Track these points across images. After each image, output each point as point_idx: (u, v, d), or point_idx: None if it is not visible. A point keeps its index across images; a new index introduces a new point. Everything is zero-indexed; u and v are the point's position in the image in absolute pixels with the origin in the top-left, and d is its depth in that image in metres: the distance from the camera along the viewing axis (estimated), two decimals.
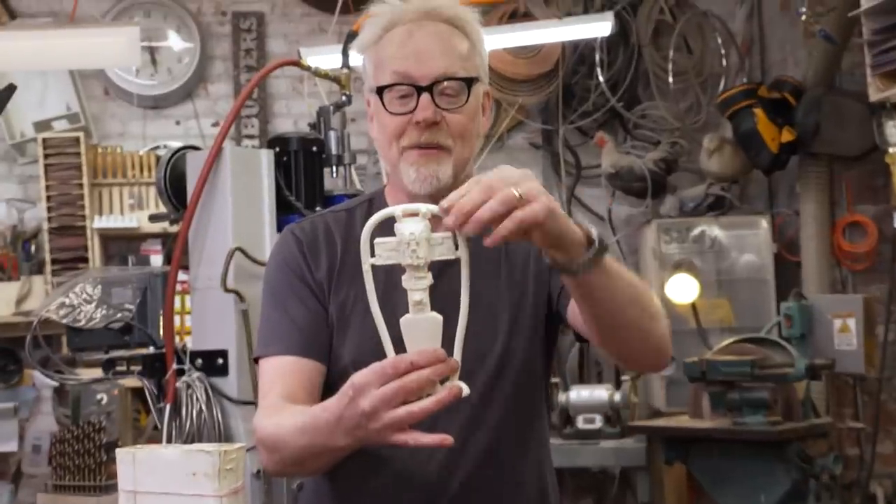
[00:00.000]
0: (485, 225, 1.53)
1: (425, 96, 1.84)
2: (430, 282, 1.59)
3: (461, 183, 1.89)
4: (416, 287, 1.59)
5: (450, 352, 1.59)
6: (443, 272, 1.90)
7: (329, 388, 1.91)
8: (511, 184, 1.55)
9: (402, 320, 1.59)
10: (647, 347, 1.82)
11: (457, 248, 1.59)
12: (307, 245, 1.95)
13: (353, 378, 1.60)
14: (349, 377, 1.82)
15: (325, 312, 1.91)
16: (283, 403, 1.83)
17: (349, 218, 2.00)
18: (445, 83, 1.85)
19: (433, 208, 1.58)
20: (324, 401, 1.93)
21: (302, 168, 3.14)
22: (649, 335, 1.80)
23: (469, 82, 1.87)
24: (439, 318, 1.59)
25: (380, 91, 1.88)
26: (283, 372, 1.88)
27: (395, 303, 1.73)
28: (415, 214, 1.59)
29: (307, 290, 1.92)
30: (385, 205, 1.99)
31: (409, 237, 1.57)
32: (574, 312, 1.87)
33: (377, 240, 1.59)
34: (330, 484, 1.96)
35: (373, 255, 1.60)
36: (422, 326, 1.59)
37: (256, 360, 1.96)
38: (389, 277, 1.89)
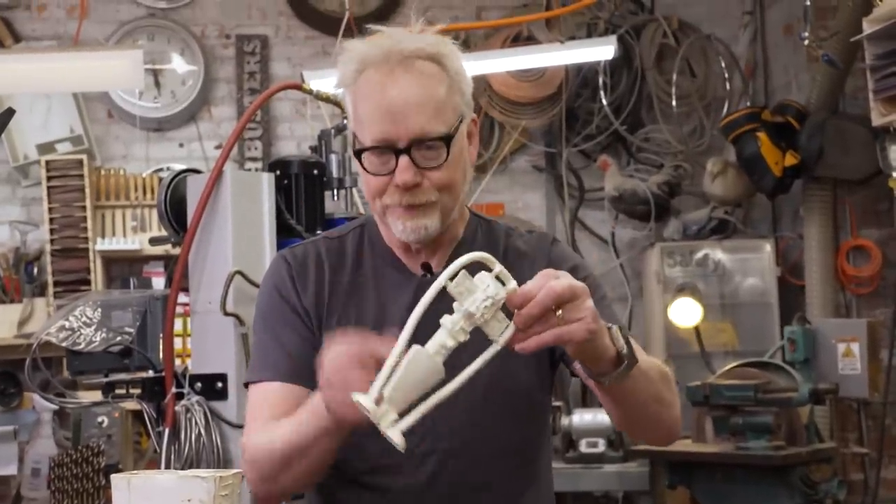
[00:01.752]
0: (530, 329, 1.58)
1: (404, 159, 1.80)
2: (465, 339, 1.60)
3: (450, 226, 1.92)
4: (454, 336, 1.59)
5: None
6: (440, 294, 1.90)
7: None
8: (573, 296, 1.59)
9: (415, 348, 1.59)
10: (660, 432, 1.93)
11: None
12: (297, 271, 1.94)
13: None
14: None
15: (315, 338, 1.90)
16: (271, 424, 1.83)
17: (340, 245, 1.98)
18: (425, 142, 1.80)
19: (505, 274, 1.61)
20: None
21: (303, 191, 3.14)
22: (664, 423, 1.89)
23: (447, 139, 1.82)
24: (442, 372, 1.59)
25: (357, 154, 1.84)
26: (271, 397, 1.88)
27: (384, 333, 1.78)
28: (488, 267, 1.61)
29: (297, 317, 1.91)
30: (376, 232, 1.98)
31: (487, 292, 1.59)
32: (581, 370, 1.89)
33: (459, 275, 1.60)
34: None
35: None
36: (423, 366, 1.58)
37: (246, 386, 1.95)
38: (379, 294, 1.89)
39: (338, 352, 1.63)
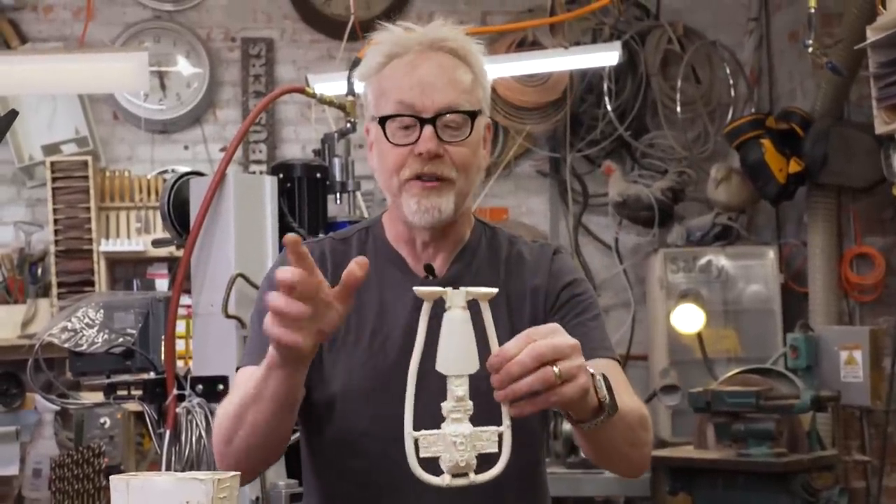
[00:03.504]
0: (520, 395, 1.55)
1: (428, 128, 1.83)
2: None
3: (455, 227, 1.92)
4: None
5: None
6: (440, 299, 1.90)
7: (317, 414, 1.91)
8: (559, 355, 1.55)
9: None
10: (627, 471, 1.93)
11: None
12: None
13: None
14: (335, 405, 1.86)
15: None
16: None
17: (345, 246, 1.99)
18: (449, 116, 1.84)
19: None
20: (307, 427, 1.95)
21: (305, 194, 3.14)
22: (634, 463, 1.89)
23: (472, 115, 1.87)
24: None
25: (382, 121, 1.87)
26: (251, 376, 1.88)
27: (385, 334, 1.81)
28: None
29: None
30: (381, 233, 1.99)
31: (454, 438, 1.56)
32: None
33: (422, 433, 1.57)
34: None
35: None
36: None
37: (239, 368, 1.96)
38: (381, 294, 1.89)
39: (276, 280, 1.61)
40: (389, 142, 1.86)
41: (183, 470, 2.76)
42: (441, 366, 1.57)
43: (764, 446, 4.43)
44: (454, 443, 1.55)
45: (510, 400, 1.55)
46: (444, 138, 1.84)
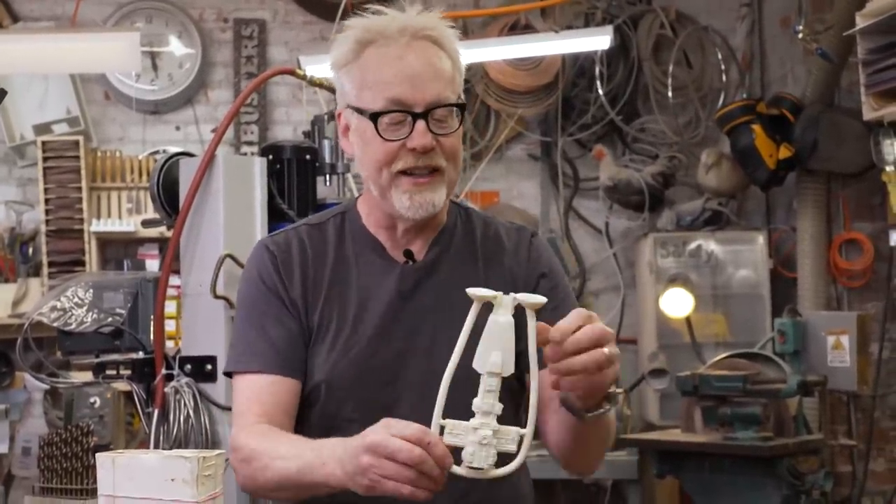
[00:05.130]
0: (572, 372, 1.60)
1: (421, 123, 1.84)
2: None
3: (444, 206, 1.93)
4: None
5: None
6: (420, 284, 1.92)
7: (303, 401, 1.93)
8: (606, 340, 1.61)
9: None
10: (590, 468, 1.97)
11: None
12: (281, 261, 1.95)
13: (372, 438, 1.61)
14: (320, 393, 1.86)
15: (301, 329, 1.92)
16: (269, 428, 1.85)
17: (321, 232, 2.00)
18: (439, 110, 1.85)
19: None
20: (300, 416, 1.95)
21: (295, 176, 3.15)
22: (595, 462, 1.94)
23: (462, 107, 1.89)
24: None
25: (374, 117, 1.85)
26: (260, 391, 1.89)
27: (365, 321, 1.85)
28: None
29: (283, 308, 1.92)
30: (357, 218, 1.99)
31: (481, 435, 1.62)
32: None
33: (448, 421, 1.62)
34: None
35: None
36: None
37: (228, 375, 1.96)
38: (361, 281, 1.91)
39: (394, 446, 1.59)
40: (381, 137, 1.85)
41: (171, 449, 2.78)
42: (479, 364, 1.62)
43: (750, 430, 4.45)
44: (481, 442, 1.61)
45: (563, 374, 1.60)
46: (435, 131, 1.85)
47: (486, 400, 1.61)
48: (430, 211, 1.87)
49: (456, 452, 1.63)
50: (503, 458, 1.64)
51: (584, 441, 1.83)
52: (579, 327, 1.60)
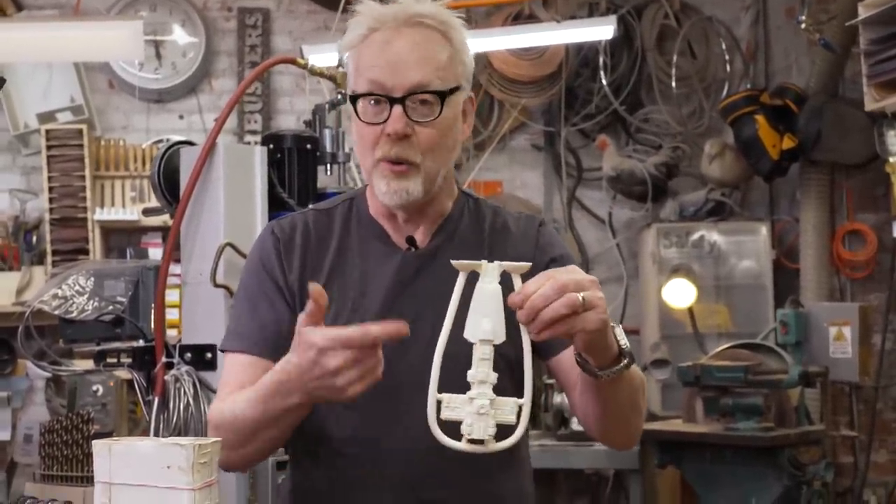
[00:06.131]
0: (547, 324, 1.58)
1: (397, 108, 1.83)
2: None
3: (434, 194, 1.93)
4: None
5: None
6: (422, 270, 1.92)
7: None
8: (579, 287, 1.59)
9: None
10: (626, 438, 1.95)
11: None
12: (283, 244, 1.97)
13: (312, 338, 1.62)
14: None
15: (293, 314, 1.92)
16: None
17: (328, 217, 2.01)
18: (419, 95, 1.84)
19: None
20: None
21: (296, 165, 3.15)
22: (632, 430, 1.92)
23: (443, 95, 1.85)
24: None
25: (353, 99, 1.87)
26: (241, 371, 1.91)
27: (366, 306, 1.86)
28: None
29: (278, 293, 1.94)
30: (364, 205, 2.01)
31: (477, 405, 1.61)
32: (557, 367, 1.93)
33: (444, 395, 1.63)
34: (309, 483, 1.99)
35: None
36: None
37: (223, 351, 1.99)
38: (363, 266, 1.92)
39: (329, 337, 1.62)
40: (361, 120, 1.87)
41: (171, 436, 2.78)
42: (470, 333, 1.62)
43: (752, 420, 4.46)
44: (478, 412, 1.60)
45: (538, 330, 1.59)
46: (414, 118, 1.84)
47: (481, 369, 1.61)
48: (404, 198, 1.87)
49: (455, 429, 1.63)
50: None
51: (610, 405, 1.81)
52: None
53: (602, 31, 5.34)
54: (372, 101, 1.85)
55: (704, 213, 6.00)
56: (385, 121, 1.84)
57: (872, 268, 5.68)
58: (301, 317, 1.65)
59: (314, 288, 1.64)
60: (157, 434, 2.84)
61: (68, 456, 2.95)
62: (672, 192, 6.19)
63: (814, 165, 5.64)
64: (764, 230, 5.94)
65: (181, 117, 6.37)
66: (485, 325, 1.61)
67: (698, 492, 4.73)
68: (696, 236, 5.94)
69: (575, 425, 5.31)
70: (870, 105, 3.84)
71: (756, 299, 5.87)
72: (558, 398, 5.35)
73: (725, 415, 4.55)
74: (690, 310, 5.62)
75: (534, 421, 5.35)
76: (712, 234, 5.94)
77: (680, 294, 5.68)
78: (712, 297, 5.87)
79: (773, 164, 5.59)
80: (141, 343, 3.03)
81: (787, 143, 5.54)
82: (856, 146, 5.44)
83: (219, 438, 1.69)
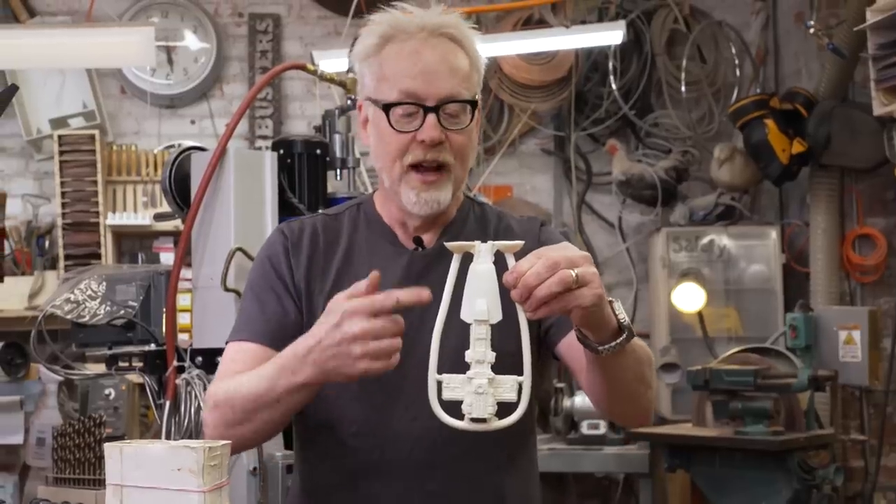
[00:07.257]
0: (542, 301, 1.60)
1: (431, 116, 1.88)
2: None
3: (456, 201, 1.97)
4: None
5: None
6: (429, 269, 1.94)
7: None
8: (572, 264, 1.61)
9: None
10: (638, 412, 1.95)
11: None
12: (292, 244, 2.00)
13: (338, 301, 1.68)
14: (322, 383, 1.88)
15: (299, 313, 1.95)
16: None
17: (337, 222, 2.05)
18: (451, 105, 1.90)
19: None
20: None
21: (306, 170, 3.17)
22: (643, 403, 1.92)
23: (473, 104, 1.93)
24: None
25: (386, 108, 1.91)
26: (243, 356, 1.93)
27: None
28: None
29: (283, 289, 1.97)
30: (372, 209, 2.04)
31: (476, 384, 1.64)
32: (567, 351, 1.94)
33: (444, 376, 1.65)
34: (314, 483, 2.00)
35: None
36: None
37: (227, 343, 2.01)
38: (371, 266, 1.94)
39: (355, 301, 1.66)
40: (393, 128, 1.90)
41: (181, 440, 2.80)
42: (466, 314, 1.64)
43: (761, 424, 4.46)
44: (477, 391, 1.63)
45: (533, 308, 1.61)
46: (446, 126, 1.90)
47: (478, 349, 1.63)
48: (435, 209, 1.93)
49: (457, 410, 1.65)
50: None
51: (616, 380, 1.82)
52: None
53: (611, 35, 5.35)
54: (404, 111, 1.90)
55: (714, 218, 6.00)
56: (417, 128, 1.89)
57: (882, 272, 5.66)
58: (340, 294, 1.69)
59: (373, 274, 1.69)
60: (168, 437, 2.86)
61: (80, 459, 2.98)
62: (682, 197, 6.19)
63: (823, 170, 5.63)
64: (774, 234, 5.94)
65: (192, 122, 6.40)
66: (480, 306, 1.63)
67: (708, 496, 4.72)
68: (705, 240, 5.94)
69: (585, 429, 5.33)
70: (878, 110, 3.84)
71: (766, 303, 5.87)
72: (568, 402, 5.36)
73: (735, 419, 4.55)
74: (700, 314, 5.62)
75: (544, 425, 5.37)
76: (722, 239, 5.94)
77: (689, 298, 5.69)
78: (722, 301, 5.87)
79: (782, 168, 5.58)
80: (152, 347, 3.06)
81: (797, 147, 5.54)
82: (866, 150, 5.43)
83: (214, 416, 1.70)
